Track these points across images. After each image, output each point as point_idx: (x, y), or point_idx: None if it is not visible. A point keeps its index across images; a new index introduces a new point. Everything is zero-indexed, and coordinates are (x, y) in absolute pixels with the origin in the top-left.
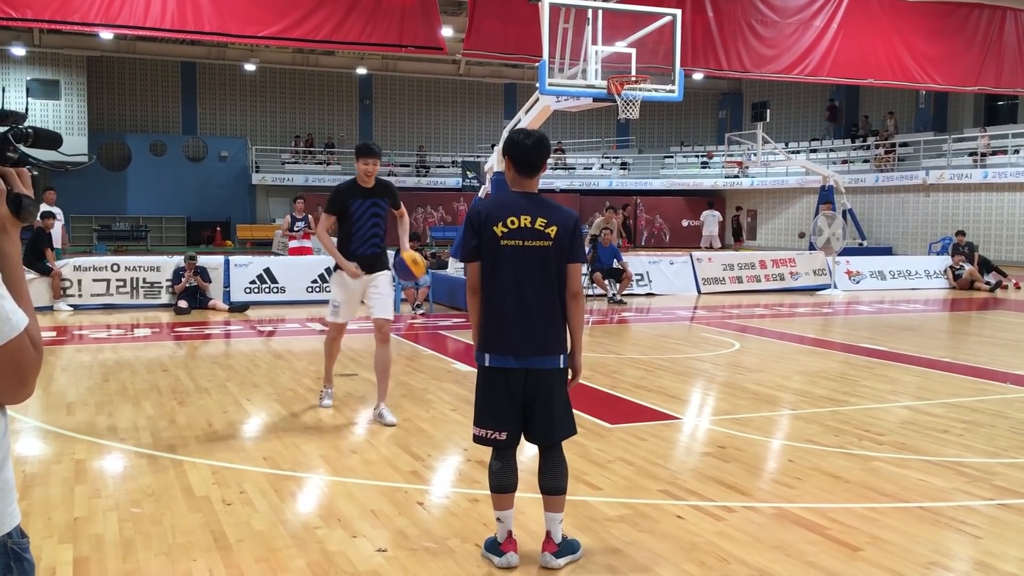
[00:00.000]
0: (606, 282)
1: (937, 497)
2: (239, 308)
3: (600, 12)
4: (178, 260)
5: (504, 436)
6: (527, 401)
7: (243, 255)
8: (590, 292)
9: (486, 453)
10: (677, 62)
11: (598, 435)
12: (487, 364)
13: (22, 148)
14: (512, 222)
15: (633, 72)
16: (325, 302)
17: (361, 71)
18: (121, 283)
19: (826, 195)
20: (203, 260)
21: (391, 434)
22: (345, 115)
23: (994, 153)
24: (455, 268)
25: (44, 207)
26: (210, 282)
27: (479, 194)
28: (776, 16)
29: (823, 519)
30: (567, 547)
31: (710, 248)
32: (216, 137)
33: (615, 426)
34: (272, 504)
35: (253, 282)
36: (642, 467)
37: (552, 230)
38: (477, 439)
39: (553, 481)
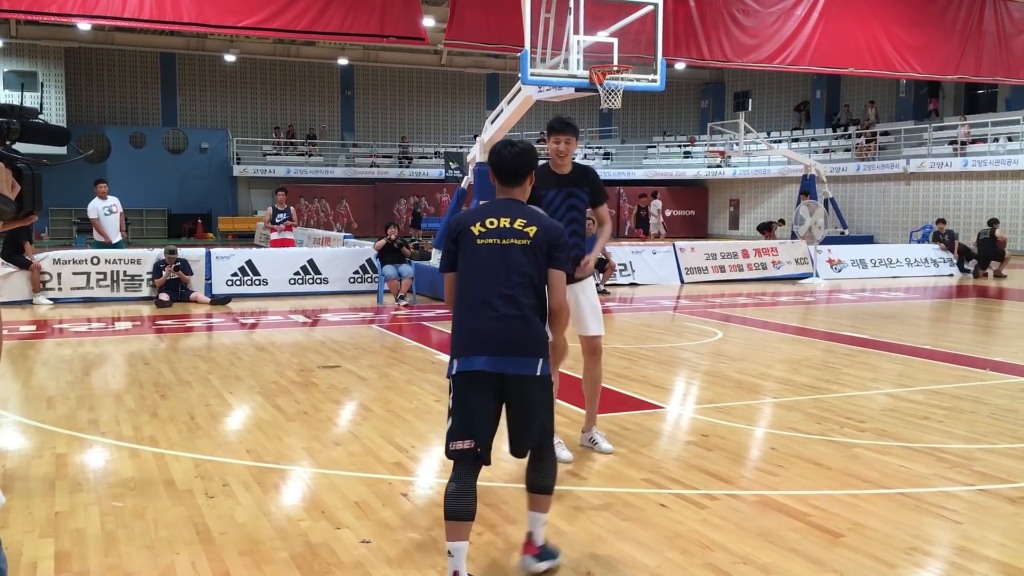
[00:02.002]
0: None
1: (918, 483)
2: (221, 300)
3: (582, 2)
4: (158, 253)
5: (470, 445)
6: (505, 406)
7: (225, 247)
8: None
9: None
10: (659, 52)
11: (582, 424)
12: (455, 371)
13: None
14: (491, 223)
15: (615, 62)
16: (308, 294)
17: (343, 61)
18: (101, 276)
19: (807, 184)
20: (184, 252)
21: (374, 426)
22: (327, 106)
23: (974, 142)
24: (438, 259)
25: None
26: (191, 275)
27: (462, 184)
28: (757, 5)
29: (805, 506)
30: (548, 552)
31: (658, 237)
32: (196, 129)
33: (599, 415)
34: (255, 497)
35: (235, 274)
36: (626, 456)
37: (531, 230)
38: (450, 453)
39: (539, 480)
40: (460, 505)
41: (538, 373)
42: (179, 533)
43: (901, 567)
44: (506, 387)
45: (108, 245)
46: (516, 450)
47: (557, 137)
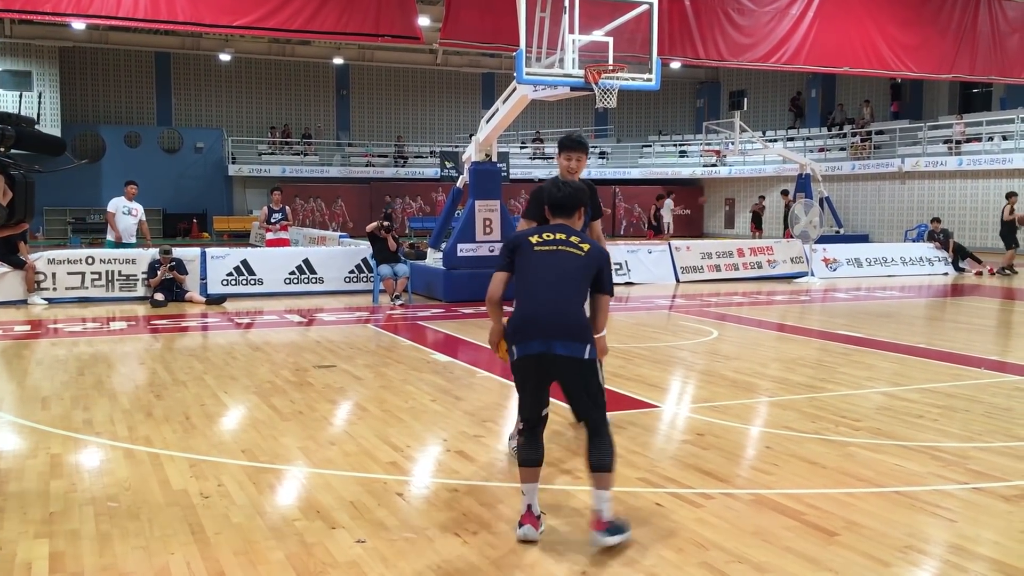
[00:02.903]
0: None
1: (912, 481)
2: (216, 300)
3: (577, 1)
4: (153, 253)
5: (528, 415)
6: (562, 384)
7: (220, 247)
8: None
9: (465, 444)
10: (654, 51)
11: (577, 424)
12: (515, 357)
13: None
14: (548, 236)
15: (610, 61)
16: (303, 294)
17: (338, 61)
18: (96, 276)
19: (803, 183)
20: (179, 252)
21: (370, 425)
22: (322, 105)
23: (968, 141)
24: (433, 259)
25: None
26: (186, 274)
27: (457, 184)
28: (752, 5)
29: (800, 505)
30: (617, 528)
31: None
32: (191, 128)
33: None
34: (250, 496)
35: (230, 274)
36: (621, 455)
37: (585, 247)
38: (519, 430)
39: (598, 459)
40: (530, 455)
41: (586, 357)
42: (174, 533)
43: (896, 565)
44: (558, 367)
45: (121, 245)
46: (578, 419)
47: (568, 154)
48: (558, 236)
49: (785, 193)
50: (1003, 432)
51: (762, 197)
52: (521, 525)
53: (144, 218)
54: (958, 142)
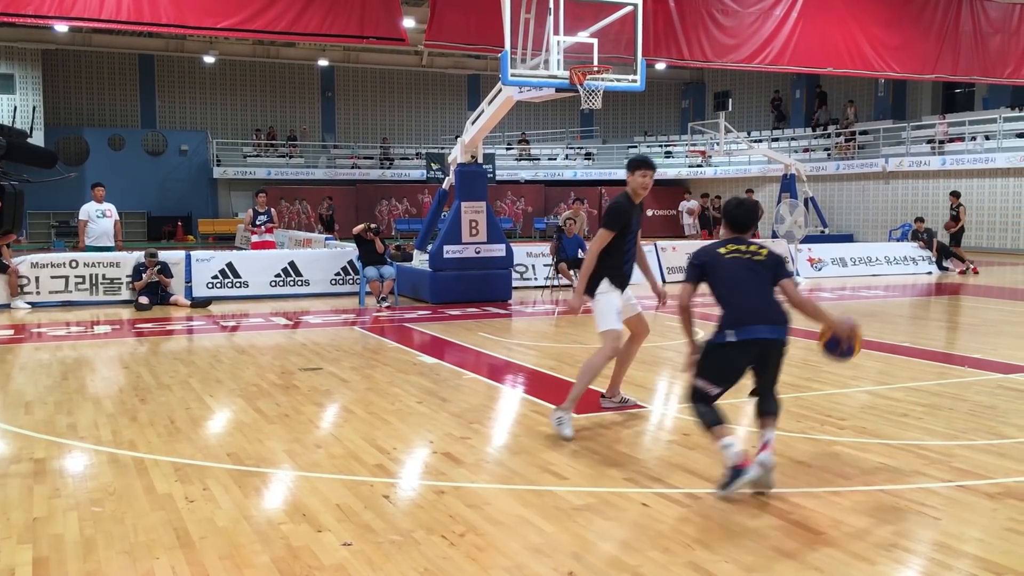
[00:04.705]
0: (571, 272)
1: (897, 480)
2: (201, 303)
3: (562, 2)
4: (138, 256)
5: (716, 392)
6: (760, 365)
7: (205, 250)
8: (556, 282)
9: (452, 446)
10: (639, 52)
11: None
12: (728, 340)
13: None
14: (732, 247)
15: (595, 62)
16: (289, 296)
17: (323, 63)
18: (80, 280)
19: (788, 184)
20: (164, 255)
21: (356, 428)
22: (307, 107)
23: (951, 140)
24: (419, 261)
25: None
26: (171, 277)
27: (443, 186)
28: (736, 5)
29: (786, 504)
30: (768, 459)
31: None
32: (176, 131)
33: (580, 415)
34: (236, 500)
35: (215, 277)
36: (608, 456)
37: (764, 251)
38: (695, 389)
39: (770, 407)
40: (718, 415)
41: (787, 339)
42: (159, 538)
43: (881, 563)
44: (767, 349)
45: (98, 249)
46: (759, 391)
47: (644, 172)
48: (740, 247)
49: (705, 196)
50: (987, 430)
51: (704, 196)
52: (744, 469)
53: (118, 218)
54: (941, 142)
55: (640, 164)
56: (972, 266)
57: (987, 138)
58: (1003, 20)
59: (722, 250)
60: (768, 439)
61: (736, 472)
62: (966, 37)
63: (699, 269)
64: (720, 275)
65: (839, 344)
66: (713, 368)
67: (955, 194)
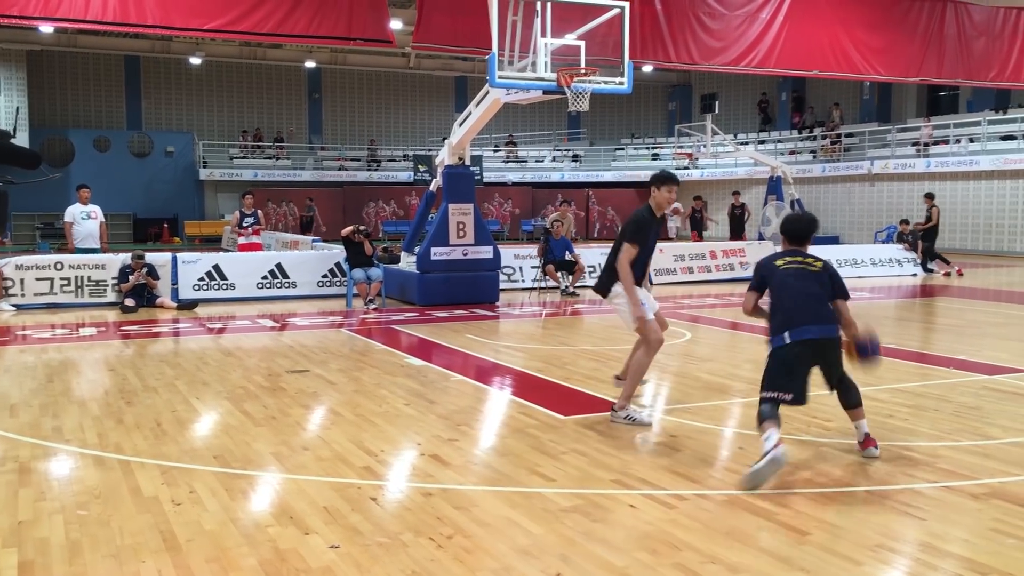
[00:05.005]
0: (559, 274)
1: (883, 481)
2: (188, 306)
3: (549, 5)
4: (124, 258)
5: (790, 397)
6: (822, 362)
7: (191, 252)
8: (543, 284)
9: (439, 448)
10: (626, 54)
11: (551, 426)
12: (786, 341)
13: None
14: (788, 259)
15: (582, 64)
16: (276, 298)
17: (310, 64)
18: (65, 282)
19: (774, 186)
20: (150, 257)
21: (343, 430)
22: (294, 109)
23: (936, 143)
24: (407, 263)
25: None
26: (158, 279)
27: (431, 187)
28: (723, 8)
29: (772, 505)
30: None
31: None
32: (162, 132)
33: (568, 417)
34: (223, 503)
35: (202, 279)
36: (595, 457)
37: (819, 264)
38: (766, 400)
39: (851, 398)
40: (775, 413)
41: (839, 335)
42: (145, 541)
43: (867, 564)
44: (822, 347)
45: (84, 251)
46: (831, 385)
47: (671, 187)
48: (796, 259)
49: (697, 198)
50: (972, 431)
51: (697, 198)
52: (773, 454)
53: (103, 220)
54: (926, 144)
55: (667, 179)
56: (957, 268)
57: (971, 140)
58: (987, 24)
59: (779, 261)
60: (866, 431)
61: (765, 456)
62: (950, 40)
63: (760, 279)
64: (775, 283)
65: (867, 347)
66: (781, 371)
67: (929, 195)
